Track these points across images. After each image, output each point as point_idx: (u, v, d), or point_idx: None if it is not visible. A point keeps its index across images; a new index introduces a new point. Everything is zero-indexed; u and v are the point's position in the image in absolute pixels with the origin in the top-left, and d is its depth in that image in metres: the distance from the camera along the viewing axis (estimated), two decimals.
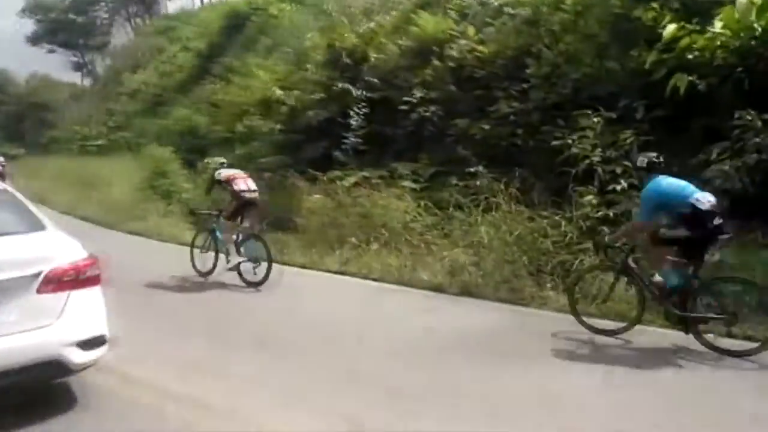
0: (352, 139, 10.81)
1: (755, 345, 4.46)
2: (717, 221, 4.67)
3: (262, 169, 11.93)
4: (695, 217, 4.63)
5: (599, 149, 7.45)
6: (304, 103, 11.58)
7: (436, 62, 10.64)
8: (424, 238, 8.02)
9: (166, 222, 12.17)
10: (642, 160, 5.22)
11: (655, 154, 5.22)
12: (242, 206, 7.30)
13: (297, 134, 11.86)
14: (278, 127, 12.34)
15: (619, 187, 7.01)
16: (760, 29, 6.74)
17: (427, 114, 10.08)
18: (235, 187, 7.29)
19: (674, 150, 6.90)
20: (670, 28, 7.38)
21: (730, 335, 4.66)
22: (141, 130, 22.86)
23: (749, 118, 6.32)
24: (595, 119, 7.62)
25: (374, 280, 7.22)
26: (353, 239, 8.31)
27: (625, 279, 5.32)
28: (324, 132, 11.12)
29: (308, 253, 8.62)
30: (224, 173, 7.61)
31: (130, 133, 24.05)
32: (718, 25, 7.11)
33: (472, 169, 8.59)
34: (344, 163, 10.77)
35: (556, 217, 7.08)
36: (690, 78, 6.94)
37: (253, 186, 7.47)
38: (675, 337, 4.82)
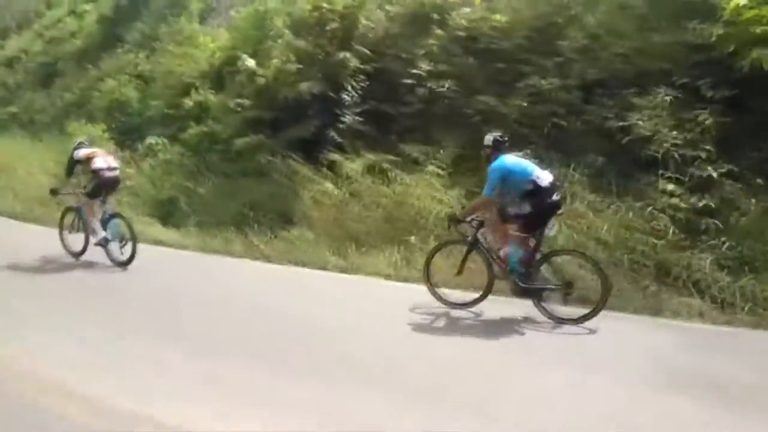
0: (351, 118, 9.46)
1: (588, 311, 4.90)
2: (555, 197, 5.18)
3: (237, 151, 10.32)
4: (536, 193, 5.03)
5: (672, 131, 6.84)
6: (283, 76, 9.97)
7: (438, 31, 9.58)
8: None
9: None
10: (489, 139, 5.48)
11: (500, 133, 5.62)
12: (102, 185, 7.20)
13: (273, 111, 10.25)
14: (246, 102, 10.61)
15: (705, 174, 6.45)
16: None
17: (441, 89, 9.01)
18: (94, 166, 7.19)
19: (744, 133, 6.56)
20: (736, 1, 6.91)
21: (568, 303, 5.08)
22: (32, 104, 19.50)
23: None
24: (666, 98, 6.98)
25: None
26: (412, 238, 7.08)
27: (476, 252, 5.54)
28: (312, 109, 9.65)
29: (340, 253, 7.32)
30: (82, 152, 7.43)
31: (17, 109, 20.46)
32: None
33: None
34: (339, 145, 9.43)
35: (647, 209, 6.38)
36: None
37: (113, 164, 7.47)
38: (521, 307, 5.21)
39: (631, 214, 6.56)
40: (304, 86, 9.24)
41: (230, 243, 8.16)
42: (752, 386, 3.75)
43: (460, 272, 5.57)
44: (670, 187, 6.55)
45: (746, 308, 5.31)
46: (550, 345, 4.71)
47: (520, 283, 5.17)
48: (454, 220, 5.68)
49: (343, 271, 6.79)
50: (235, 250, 7.93)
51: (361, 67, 9.64)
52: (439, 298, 5.61)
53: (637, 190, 6.84)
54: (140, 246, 7.05)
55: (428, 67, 9.25)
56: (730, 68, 6.87)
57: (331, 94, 9.57)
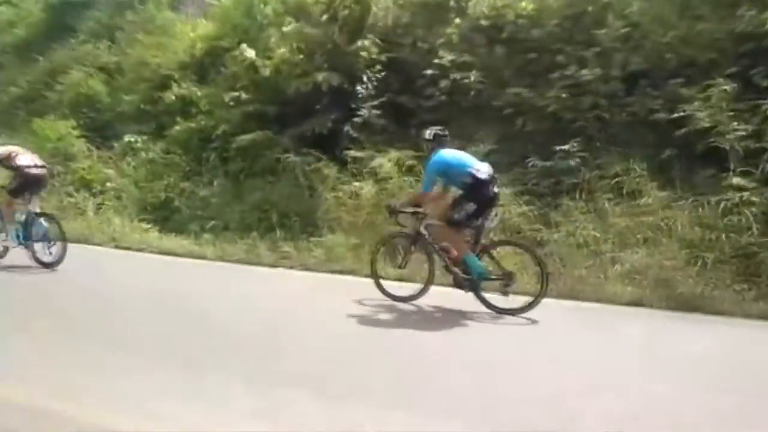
0: (367, 111, 8.80)
1: (527, 302, 4.91)
2: (494, 189, 5.19)
3: (240, 148, 9.44)
4: (475, 185, 5.01)
5: (733, 122, 6.60)
6: (288, 67, 9.18)
7: (457, 20, 9.07)
8: (538, 236, 6.61)
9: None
10: (429, 133, 5.51)
11: (440, 128, 5.63)
12: (27, 183, 6.78)
13: (278, 105, 9.45)
14: (244, 95, 9.74)
15: None
16: None
17: (467, 81, 8.49)
18: (18, 163, 6.76)
19: None
20: None
21: (508, 293, 5.02)
22: None
23: None
24: (726, 88, 6.73)
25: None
26: None
27: (419, 245, 5.52)
28: (323, 102, 8.93)
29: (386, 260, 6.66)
30: (1, 150, 6.99)
31: None
32: None
33: (563, 147, 7.33)
34: (357, 140, 8.78)
35: (720, 204, 6.08)
36: None
37: (39, 161, 7.06)
38: (462, 298, 5.15)
39: (700, 210, 6.26)
40: (320, 77, 8.47)
41: (254, 250, 7.34)
42: None
43: (402, 266, 5.64)
44: (740, 180, 6.27)
45: None
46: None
47: (463, 275, 5.14)
48: (392, 212, 5.67)
49: (399, 279, 6.12)
50: (263, 259, 7.13)
51: (377, 57, 8.97)
52: (384, 291, 5.56)
53: (700, 184, 6.57)
54: (148, 257, 6.22)
55: (451, 58, 8.70)
56: None
57: (347, 87, 8.86)
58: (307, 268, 6.87)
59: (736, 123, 6.59)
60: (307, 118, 8.99)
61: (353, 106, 8.94)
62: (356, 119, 8.85)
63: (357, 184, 7.82)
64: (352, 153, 8.44)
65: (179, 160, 9.91)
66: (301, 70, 8.99)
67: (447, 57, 8.73)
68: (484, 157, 7.63)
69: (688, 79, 7.22)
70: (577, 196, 6.91)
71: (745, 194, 6.14)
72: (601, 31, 7.92)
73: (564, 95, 7.76)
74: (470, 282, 5.14)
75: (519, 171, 7.54)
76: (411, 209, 5.50)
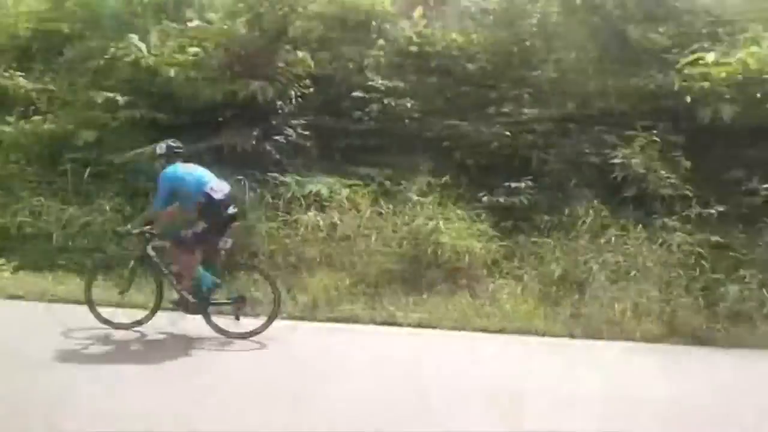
0: (295, 131, 7.87)
1: (259, 325, 4.98)
2: (231, 210, 5.07)
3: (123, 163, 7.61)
4: (208, 205, 4.83)
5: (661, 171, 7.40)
6: (197, 70, 7.72)
7: (381, 41, 8.70)
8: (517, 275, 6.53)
9: None
10: (161, 147, 5.30)
11: (173, 140, 5.39)
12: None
13: (174, 114, 7.89)
14: (125, 98, 7.91)
15: (696, 213, 7.05)
16: None
17: (400, 108, 8.15)
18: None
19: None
20: (691, 57, 7.90)
21: (239, 317, 5.03)
22: None
23: None
24: (656, 138, 7.52)
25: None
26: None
27: (145, 267, 5.34)
28: (247, 116, 7.74)
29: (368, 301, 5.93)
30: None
31: None
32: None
33: (515, 184, 7.43)
34: (278, 162, 7.77)
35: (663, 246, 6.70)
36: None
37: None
38: (192, 323, 5.08)
39: (645, 250, 6.81)
40: (252, 87, 7.27)
41: None
42: None
43: (124, 290, 5.28)
44: (672, 223, 7.01)
45: None
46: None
47: (192, 299, 5.00)
48: (122, 234, 5.63)
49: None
50: None
51: (306, 71, 8.08)
52: (100, 318, 5.16)
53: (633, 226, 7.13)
54: None
55: (382, 82, 8.26)
56: (689, 116, 7.76)
57: (272, 100, 7.79)
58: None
59: (663, 171, 7.41)
60: (216, 132, 7.65)
61: (274, 123, 7.88)
62: (278, 138, 7.81)
63: (310, 214, 6.81)
64: (282, 177, 7.40)
65: (29, 173, 7.57)
66: (216, 75, 7.62)
67: (378, 81, 8.27)
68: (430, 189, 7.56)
69: (610, 127, 7.95)
70: (543, 233, 7.01)
71: (682, 235, 6.89)
72: (534, 72, 8.29)
73: (507, 133, 7.89)
74: (198, 305, 4.98)
75: (474, 205, 7.36)
76: (138, 229, 5.18)
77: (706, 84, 7.73)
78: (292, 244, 6.68)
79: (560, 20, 8.60)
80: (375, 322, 5.56)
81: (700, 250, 6.62)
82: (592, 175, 7.71)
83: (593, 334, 5.43)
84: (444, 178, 7.41)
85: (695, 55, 7.88)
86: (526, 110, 7.99)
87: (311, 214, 6.81)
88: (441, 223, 6.71)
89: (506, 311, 5.66)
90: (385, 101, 8.16)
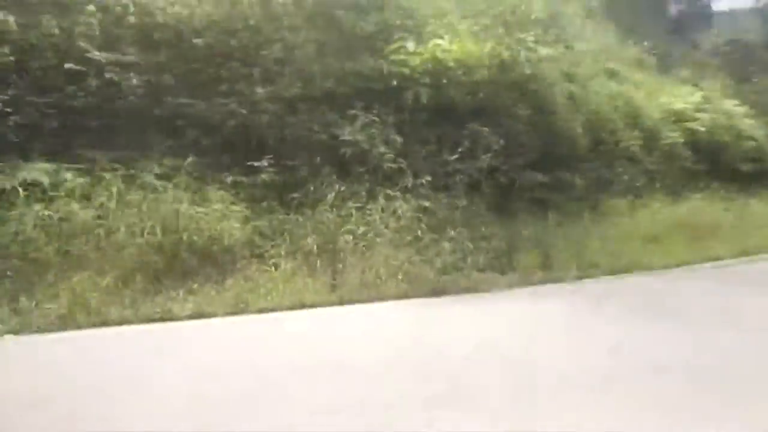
0: None
1: None
2: None
3: None
4: None
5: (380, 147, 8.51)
6: None
7: (90, 7, 7.78)
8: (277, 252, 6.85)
9: None
10: None
11: None
12: None
13: None
14: None
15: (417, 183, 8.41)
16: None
17: (126, 83, 7.51)
18: None
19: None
20: (394, 45, 9.17)
21: None
22: None
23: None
24: (375, 118, 8.55)
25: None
26: None
27: None
28: None
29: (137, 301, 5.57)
30: None
31: None
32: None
33: (257, 163, 7.65)
34: None
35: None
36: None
37: None
38: None
39: (379, 218, 7.85)
40: None
41: None
42: None
43: None
44: (394, 193, 8.18)
45: None
46: None
47: None
48: None
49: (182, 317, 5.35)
50: None
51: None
52: None
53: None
54: None
55: (100, 54, 7.46)
56: (398, 98, 9.05)
57: None
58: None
59: (383, 148, 8.52)
60: None
61: None
62: None
63: (36, 207, 5.90)
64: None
65: None
66: None
67: (95, 52, 7.43)
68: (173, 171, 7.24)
69: (334, 107, 8.74)
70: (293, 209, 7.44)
71: (403, 203, 8.11)
72: (262, 52, 8.48)
73: (244, 111, 7.98)
74: None
75: (221, 186, 7.34)
76: None
77: (407, 70, 9.10)
78: (17, 246, 5.72)
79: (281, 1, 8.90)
80: (147, 320, 5.25)
81: (419, 215, 7.92)
82: (325, 152, 8.38)
83: (356, 298, 6.13)
84: (188, 160, 7.17)
85: (397, 44, 9.17)
86: (258, 89, 8.15)
87: (37, 207, 5.89)
88: (191, 207, 6.55)
89: (278, 289, 5.95)
90: (107, 76, 7.40)
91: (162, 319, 5.21)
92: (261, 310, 5.65)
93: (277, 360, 4.26)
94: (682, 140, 13.28)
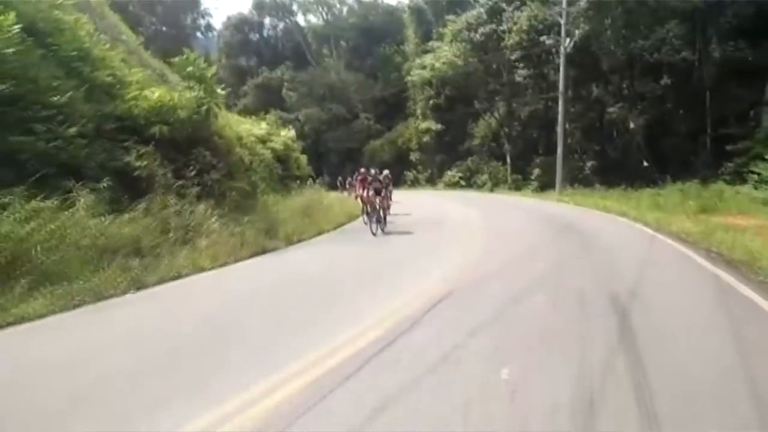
0: None
1: None
2: None
3: None
4: None
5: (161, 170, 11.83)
6: None
7: None
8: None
9: None
10: None
11: None
12: None
13: None
14: None
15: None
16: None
17: None
18: None
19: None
20: (134, 93, 12.42)
21: None
22: None
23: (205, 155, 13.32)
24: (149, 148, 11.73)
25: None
26: None
27: None
28: None
29: None
30: None
31: None
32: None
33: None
34: None
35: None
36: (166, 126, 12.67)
37: None
38: None
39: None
40: None
41: None
42: None
43: None
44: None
45: None
46: None
47: None
48: None
49: None
50: None
51: None
52: None
53: None
54: None
55: None
56: (145, 131, 12.37)
57: None
58: None
59: (162, 171, 11.86)
60: None
61: None
62: None
63: None
64: None
65: None
66: None
67: None
68: None
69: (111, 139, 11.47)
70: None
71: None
72: (54, 97, 10.46)
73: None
74: None
75: None
76: None
77: (144, 111, 12.51)
78: None
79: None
80: None
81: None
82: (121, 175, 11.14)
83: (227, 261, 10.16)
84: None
85: (135, 92, 12.43)
86: (63, 127, 10.28)
87: None
88: None
89: None
90: None
91: None
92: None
93: None
94: (270, 155, 19.98)
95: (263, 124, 21.87)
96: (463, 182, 41.81)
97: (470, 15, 38.31)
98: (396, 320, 5.83)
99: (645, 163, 29.54)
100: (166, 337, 5.83)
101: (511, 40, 34.26)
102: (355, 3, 60.07)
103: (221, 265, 9.90)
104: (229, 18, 59.72)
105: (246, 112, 31.98)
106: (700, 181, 23.88)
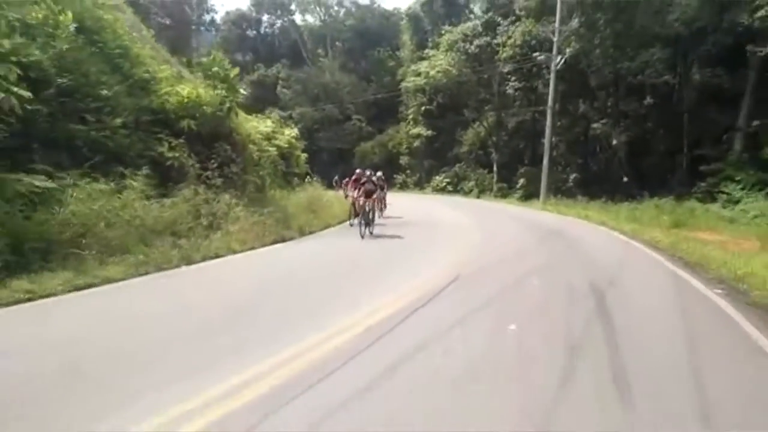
0: None
1: None
2: None
3: None
4: None
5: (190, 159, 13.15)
6: None
7: None
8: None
9: None
10: None
11: None
12: None
13: None
14: None
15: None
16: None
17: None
18: None
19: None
20: (166, 89, 13.71)
21: None
22: None
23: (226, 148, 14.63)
24: (180, 140, 13.03)
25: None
26: None
27: None
28: None
29: None
30: None
31: None
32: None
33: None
34: None
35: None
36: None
37: None
38: None
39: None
40: None
41: None
42: None
43: None
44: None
45: None
46: None
47: None
48: None
49: None
50: None
51: None
52: None
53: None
54: None
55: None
56: (176, 125, 13.66)
57: None
58: None
59: (190, 162, 13.17)
60: None
61: None
62: None
63: None
64: None
65: None
66: None
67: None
68: None
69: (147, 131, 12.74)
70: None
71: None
72: (103, 90, 11.72)
73: (108, 133, 11.32)
74: None
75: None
76: None
77: (174, 106, 13.80)
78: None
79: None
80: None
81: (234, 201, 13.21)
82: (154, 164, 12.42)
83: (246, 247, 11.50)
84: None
85: (167, 88, 13.72)
86: (110, 118, 11.55)
87: None
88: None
89: None
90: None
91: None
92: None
93: None
94: (275, 152, 21.28)
95: (268, 122, 23.16)
96: (450, 187, 43.45)
97: (466, 26, 40.05)
98: (420, 293, 7.28)
99: (625, 179, 31.30)
100: (227, 300, 7.21)
101: (504, 53, 35.94)
102: (352, 5, 61.64)
103: (249, 249, 11.28)
104: (228, 13, 61.01)
105: (241, 107, 33.13)
106: (675, 198, 25.69)
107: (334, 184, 30.23)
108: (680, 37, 29.01)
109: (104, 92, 11.82)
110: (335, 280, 8.56)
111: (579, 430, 3.74)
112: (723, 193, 24.68)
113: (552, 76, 30.88)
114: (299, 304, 6.92)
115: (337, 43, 59.63)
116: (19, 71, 9.34)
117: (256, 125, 22.06)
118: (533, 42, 34.13)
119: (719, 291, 8.11)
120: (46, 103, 10.35)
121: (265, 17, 62.00)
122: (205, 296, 7.47)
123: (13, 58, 9.66)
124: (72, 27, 11.57)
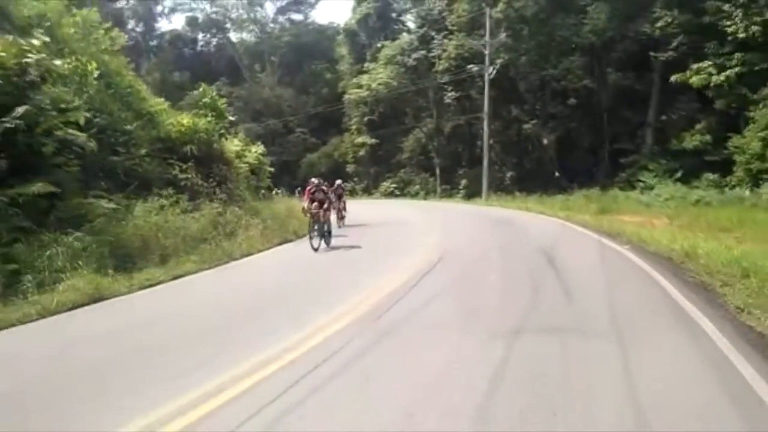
0: None
1: None
2: None
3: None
4: None
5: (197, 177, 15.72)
6: None
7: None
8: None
9: None
10: None
11: None
12: None
13: None
14: None
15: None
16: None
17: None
18: None
19: None
20: (170, 120, 16.25)
21: None
22: None
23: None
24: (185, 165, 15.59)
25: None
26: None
27: None
28: None
29: None
30: None
31: None
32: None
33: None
34: None
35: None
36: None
37: None
38: None
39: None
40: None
41: None
42: None
43: None
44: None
45: None
46: None
47: None
48: None
49: None
50: None
51: None
52: None
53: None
54: None
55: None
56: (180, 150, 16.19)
57: None
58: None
59: (200, 181, 15.77)
60: None
61: None
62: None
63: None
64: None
65: None
66: None
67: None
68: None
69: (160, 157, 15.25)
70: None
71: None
72: (129, 126, 14.19)
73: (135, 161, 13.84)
74: None
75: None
76: None
77: (179, 134, 16.38)
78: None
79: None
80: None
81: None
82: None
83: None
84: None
85: (172, 118, 16.28)
86: (136, 149, 14.05)
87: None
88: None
89: None
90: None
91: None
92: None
93: None
94: (247, 168, 23.88)
95: (236, 141, 25.67)
96: (397, 192, 46.83)
97: (403, 41, 43.68)
98: (417, 268, 10.27)
99: (556, 174, 35.54)
100: (273, 283, 10.05)
101: (441, 66, 39.71)
102: (286, 21, 64.21)
103: (267, 249, 14.06)
104: (163, 34, 62.41)
105: None
106: (601, 188, 29.95)
107: (297, 194, 32.89)
108: (594, 46, 33.55)
109: (127, 127, 14.33)
110: (345, 268, 11.55)
111: (547, 312, 6.87)
112: (640, 181, 29.09)
113: (486, 85, 34.81)
114: (343, 277, 9.93)
115: (272, 58, 62.00)
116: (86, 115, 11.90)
117: (229, 144, 24.61)
118: (466, 54, 37.98)
119: (627, 247, 11.76)
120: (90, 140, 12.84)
121: (200, 35, 63.72)
122: (267, 279, 10.42)
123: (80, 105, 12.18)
124: (96, 74, 14.04)
